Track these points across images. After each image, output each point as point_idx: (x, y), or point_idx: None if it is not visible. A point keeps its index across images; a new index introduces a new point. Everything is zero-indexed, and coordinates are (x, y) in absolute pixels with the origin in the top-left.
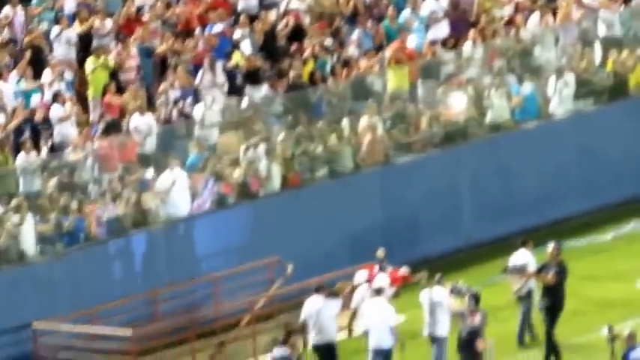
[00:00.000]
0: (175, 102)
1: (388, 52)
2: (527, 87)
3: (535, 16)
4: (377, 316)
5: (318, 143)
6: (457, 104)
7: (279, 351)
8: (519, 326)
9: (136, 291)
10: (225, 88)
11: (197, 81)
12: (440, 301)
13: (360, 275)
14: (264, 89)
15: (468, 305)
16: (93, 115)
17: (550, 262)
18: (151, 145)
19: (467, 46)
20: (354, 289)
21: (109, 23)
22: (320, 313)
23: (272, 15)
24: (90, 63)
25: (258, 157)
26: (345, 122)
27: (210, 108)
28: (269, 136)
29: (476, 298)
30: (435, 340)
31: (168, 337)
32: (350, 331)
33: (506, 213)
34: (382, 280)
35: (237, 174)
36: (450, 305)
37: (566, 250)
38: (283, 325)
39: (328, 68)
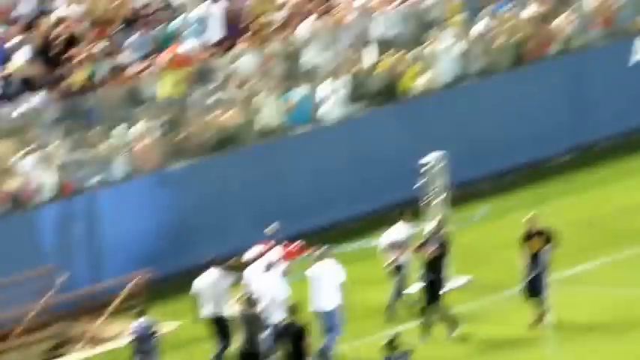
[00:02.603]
0: None
1: (161, 58)
2: (299, 91)
3: (309, 20)
4: (267, 291)
5: (92, 150)
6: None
7: (144, 320)
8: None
9: None
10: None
11: None
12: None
13: (254, 250)
14: (39, 96)
15: None
16: None
17: (432, 237)
18: None
19: (238, 50)
20: (246, 264)
21: None
22: (216, 286)
23: (48, 22)
24: None
25: (32, 165)
26: (119, 129)
27: None
28: (43, 144)
29: None
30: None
31: None
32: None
33: (279, 218)
34: (274, 254)
35: (10, 183)
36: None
37: (340, 255)
38: (56, 334)
39: (102, 74)
